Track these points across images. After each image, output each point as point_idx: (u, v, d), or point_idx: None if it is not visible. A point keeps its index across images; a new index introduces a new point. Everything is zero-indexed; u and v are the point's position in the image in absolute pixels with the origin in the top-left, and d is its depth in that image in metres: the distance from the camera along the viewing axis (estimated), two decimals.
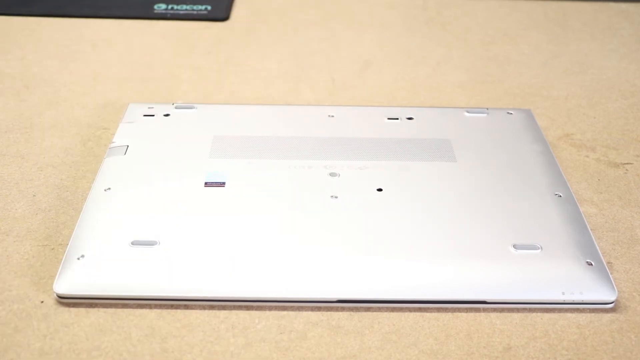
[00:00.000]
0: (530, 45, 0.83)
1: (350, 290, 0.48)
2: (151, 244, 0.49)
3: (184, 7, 0.89)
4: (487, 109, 0.65)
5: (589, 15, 0.90)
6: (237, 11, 0.90)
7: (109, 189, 0.54)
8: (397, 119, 0.64)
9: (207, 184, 0.55)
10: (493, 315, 0.48)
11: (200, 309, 0.48)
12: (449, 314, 0.48)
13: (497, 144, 0.60)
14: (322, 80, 0.75)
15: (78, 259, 0.48)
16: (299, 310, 0.48)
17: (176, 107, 0.64)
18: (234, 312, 0.48)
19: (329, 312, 0.48)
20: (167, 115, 0.63)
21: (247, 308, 0.48)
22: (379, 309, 0.48)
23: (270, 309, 0.48)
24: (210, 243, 0.50)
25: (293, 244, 0.50)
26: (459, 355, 0.45)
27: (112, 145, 0.59)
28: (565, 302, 0.48)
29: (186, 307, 0.48)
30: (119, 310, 0.47)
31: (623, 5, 0.93)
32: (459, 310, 0.48)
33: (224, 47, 0.81)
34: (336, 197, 0.54)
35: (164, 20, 0.87)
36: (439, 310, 0.48)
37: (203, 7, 0.89)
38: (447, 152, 0.59)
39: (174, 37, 0.83)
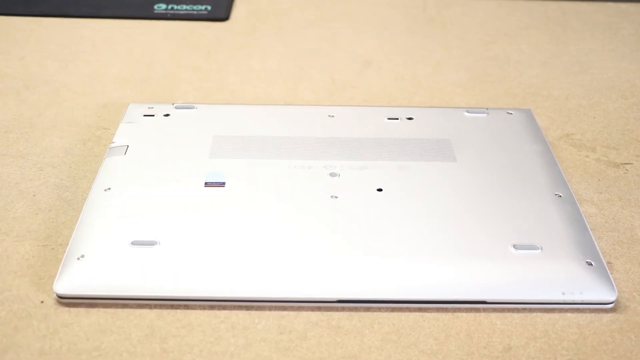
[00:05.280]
0: (530, 45, 0.83)
1: (350, 290, 0.48)
2: (151, 244, 0.49)
3: (184, 7, 0.89)
4: (487, 109, 0.65)
5: (589, 15, 0.90)
6: (237, 11, 0.90)
7: (109, 189, 0.54)
8: (397, 119, 0.63)
9: (207, 184, 0.55)
10: (493, 315, 0.48)
11: (200, 309, 0.48)
12: (449, 314, 0.48)
13: (497, 144, 0.60)
14: (322, 80, 0.75)
15: (78, 259, 0.48)
16: (299, 310, 0.48)
17: (176, 107, 0.64)
18: (234, 312, 0.47)
19: (329, 312, 0.48)
20: (167, 115, 0.63)
21: (247, 308, 0.48)
22: (379, 309, 0.48)
23: (270, 309, 0.48)
24: (210, 243, 0.50)
25: (293, 244, 0.50)
26: (459, 355, 0.45)
27: (112, 145, 0.59)
28: (565, 302, 0.48)
29: (186, 307, 0.48)
30: (119, 310, 0.47)
31: (623, 5, 0.93)
32: (459, 310, 0.48)
33: (224, 47, 0.81)
34: (336, 197, 0.54)
35: (164, 20, 0.87)
36: (439, 310, 0.48)
37: (203, 7, 0.89)
38: (447, 152, 0.59)
39: (174, 37, 0.83)
